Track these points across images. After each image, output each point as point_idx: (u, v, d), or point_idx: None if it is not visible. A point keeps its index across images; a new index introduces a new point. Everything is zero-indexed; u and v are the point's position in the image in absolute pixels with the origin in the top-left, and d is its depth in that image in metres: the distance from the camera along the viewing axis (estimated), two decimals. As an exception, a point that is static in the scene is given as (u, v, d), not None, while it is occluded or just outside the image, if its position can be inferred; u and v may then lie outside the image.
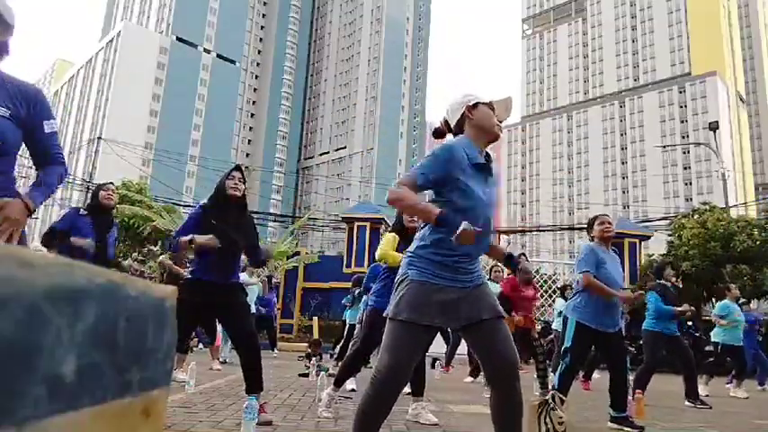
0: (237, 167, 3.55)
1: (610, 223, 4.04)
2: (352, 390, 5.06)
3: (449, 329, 9.14)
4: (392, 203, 1.98)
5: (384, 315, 2.03)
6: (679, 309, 5.48)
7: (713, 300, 12.96)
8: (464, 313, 1.94)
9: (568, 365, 3.92)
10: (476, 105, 2.09)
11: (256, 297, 8.66)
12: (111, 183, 4.14)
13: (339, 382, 3.90)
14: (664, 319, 5.52)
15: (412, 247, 2.02)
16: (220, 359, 7.22)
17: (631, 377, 6.26)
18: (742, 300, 10.82)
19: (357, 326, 6.90)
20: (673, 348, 5.64)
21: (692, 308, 5.55)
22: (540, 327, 6.35)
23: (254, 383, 3.20)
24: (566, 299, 6.53)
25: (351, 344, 6.16)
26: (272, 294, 9.86)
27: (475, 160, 1.98)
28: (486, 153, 2.07)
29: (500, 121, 2.09)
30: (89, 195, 4.15)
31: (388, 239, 3.97)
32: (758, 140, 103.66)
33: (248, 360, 3.22)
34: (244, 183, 3.48)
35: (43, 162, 2.14)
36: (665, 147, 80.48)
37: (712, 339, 7.49)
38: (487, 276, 8.41)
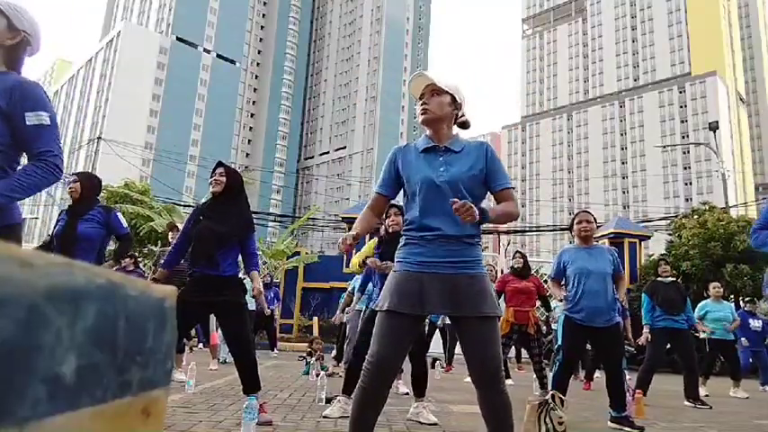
0: (219, 164, 3.56)
1: (588, 221, 4.01)
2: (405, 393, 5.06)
3: (446, 329, 9.17)
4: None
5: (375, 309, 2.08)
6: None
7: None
8: (441, 303, 1.91)
9: (561, 362, 3.94)
10: None
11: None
12: (74, 175, 3.97)
13: (348, 390, 3.76)
14: (660, 314, 5.54)
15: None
16: (219, 359, 7.22)
17: (630, 377, 6.26)
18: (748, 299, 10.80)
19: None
20: (676, 344, 5.63)
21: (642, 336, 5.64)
22: (543, 326, 6.29)
23: (248, 384, 3.21)
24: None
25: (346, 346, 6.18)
26: (269, 291, 9.76)
27: (421, 147, 2.07)
28: (453, 142, 2.08)
29: (422, 102, 2.08)
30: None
31: (369, 245, 4.25)
32: (758, 140, 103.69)
33: (239, 361, 3.25)
34: (228, 176, 3.45)
35: (30, 159, 1.91)
36: (665, 147, 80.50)
37: (701, 336, 7.48)
38: None
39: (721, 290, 7.44)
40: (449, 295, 1.90)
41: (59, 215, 3.94)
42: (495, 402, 1.87)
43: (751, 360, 8.11)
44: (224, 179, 3.44)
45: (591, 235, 4.02)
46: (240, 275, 3.62)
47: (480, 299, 1.90)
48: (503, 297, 6.14)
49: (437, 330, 9.50)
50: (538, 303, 6.34)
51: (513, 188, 2.07)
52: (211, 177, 3.48)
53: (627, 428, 3.67)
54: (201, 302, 3.25)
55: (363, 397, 1.89)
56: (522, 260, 6.09)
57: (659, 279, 5.83)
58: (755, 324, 8.05)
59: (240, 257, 3.48)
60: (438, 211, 1.95)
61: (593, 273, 3.84)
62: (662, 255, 14.53)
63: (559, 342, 4.02)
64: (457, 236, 1.94)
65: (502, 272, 13.59)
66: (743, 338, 7.89)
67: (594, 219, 4.11)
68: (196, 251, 3.35)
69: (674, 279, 5.91)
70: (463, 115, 2.15)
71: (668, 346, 5.88)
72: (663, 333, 5.56)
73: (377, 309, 1.99)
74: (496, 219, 1.97)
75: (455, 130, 2.14)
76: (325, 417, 3.55)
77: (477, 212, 1.82)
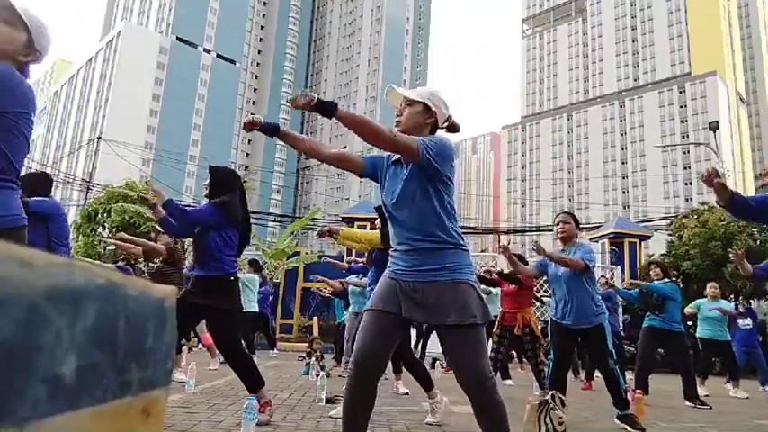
0: (209, 168, 3.58)
1: (565, 222, 4.06)
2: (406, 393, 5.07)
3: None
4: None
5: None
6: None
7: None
8: (413, 308, 1.92)
9: (554, 362, 4.02)
10: None
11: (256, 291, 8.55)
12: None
13: None
14: (654, 314, 5.54)
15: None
16: (220, 359, 7.22)
17: (631, 376, 6.26)
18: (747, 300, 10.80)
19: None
20: (670, 346, 5.63)
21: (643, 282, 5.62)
22: (540, 326, 6.27)
23: (246, 384, 3.25)
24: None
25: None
26: (264, 288, 9.75)
27: (391, 159, 2.11)
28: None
29: (396, 113, 2.13)
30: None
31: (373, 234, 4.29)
32: (758, 140, 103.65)
33: (229, 363, 3.31)
34: (210, 181, 3.49)
35: None
36: (665, 147, 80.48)
37: (697, 335, 7.48)
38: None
39: (718, 290, 7.43)
40: (424, 303, 1.91)
41: None
42: (487, 405, 1.86)
43: (748, 360, 8.12)
44: (208, 182, 3.51)
45: (568, 236, 4.04)
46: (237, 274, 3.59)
47: (455, 307, 1.87)
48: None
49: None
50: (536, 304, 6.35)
51: (423, 142, 1.91)
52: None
53: (629, 428, 3.68)
54: (194, 304, 3.28)
55: (351, 397, 1.90)
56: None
57: (654, 281, 5.83)
58: (745, 322, 8.09)
59: (231, 259, 3.44)
60: (404, 222, 1.99)
61: (559, 277, 3.94)
62: (661, 255, 14.55)
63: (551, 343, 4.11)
64: (428, 245, 1.94)
65: (502, 272, 13.57)
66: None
67: (575, 220, 4.13)
68: (195, 256, 3.45)
69: (669, 280, 5.88)
70: (448, 119, 2.16)
71: (662, 347, 5.89)
72: (651, 332, 5.58)
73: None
74: (348, 120, 1.86)
75: (441, 133, 2.15)
76: (331, 417, 3.54)
77: (312, 97, 1.83)
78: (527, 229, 64.54)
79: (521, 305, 5.83)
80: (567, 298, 3.89)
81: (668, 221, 18.99)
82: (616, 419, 3.82)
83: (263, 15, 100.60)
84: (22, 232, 1.99)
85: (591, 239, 16.77)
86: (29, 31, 1.88)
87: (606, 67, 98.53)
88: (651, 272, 5.95)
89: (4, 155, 1.87)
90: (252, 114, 2.02)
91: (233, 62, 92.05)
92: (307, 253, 17.89)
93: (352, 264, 6.07)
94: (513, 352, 9.56)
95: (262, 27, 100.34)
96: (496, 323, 5.87)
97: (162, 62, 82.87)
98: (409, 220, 1.97)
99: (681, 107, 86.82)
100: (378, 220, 4.20)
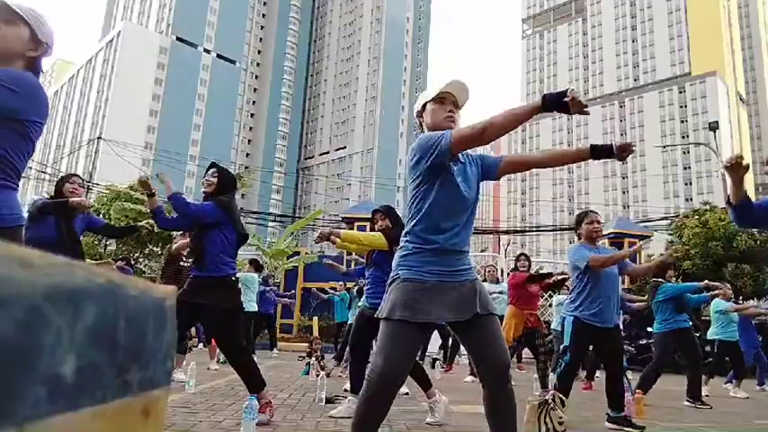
0: (212, 165, 3.60)
1: (599, 222, 3.96)
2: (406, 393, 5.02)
3: (447, 329, 9.17)
4: (484, 133, 1.83)
5: (375, 317, 2.05)
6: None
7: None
8: (455, 309, 1.91)
9: (568, 364, 3.90)
10: (424, 107, 2.10)
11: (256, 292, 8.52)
12: (77, 175, 4.02)
13: (355, 390, 3.69)
14: (671, 317, 5.52)
15: (399, 246, 2.04)
16: (219, 359, 7.21)
17: (632, 376, 6.26)
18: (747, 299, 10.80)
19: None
20: (682, 343, 5.60)
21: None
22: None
23: (248, 384, 3.24)
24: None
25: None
26: (270, 294, 9.82)
27: (449, 153, 2.05)
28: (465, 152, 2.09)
29: (458, 105, 2.06)
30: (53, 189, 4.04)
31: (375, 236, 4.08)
32: (758, 140, 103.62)
33: (231, 364, 3.31)
34: (220, 177, 3.48)
35: None
36: (665, 147, 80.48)
37: (708, 337, 7.47)
38: (481, 276, 8.39)
39: (730, 290, 7.45)
40: (458, 301, 1.92)
41: (37, 217, 3.68)
42: (503, 400, 1.88)
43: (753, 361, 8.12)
44: (215, 179, 3.48)
45: (600, 236, 4.05)
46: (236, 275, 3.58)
47: (485, 299, 1.97)
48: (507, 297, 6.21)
49: (435, 330, 9.49)
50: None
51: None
52: (204, 178, 3.55)
53: (627, 428, 3.66)
54: (194, 303, 3.26)
55: (367, 409, 1.85)
56: (527, 263, 6.10)
57: (659, 281, 5.79)
58: (752, 323, 8.11)
59: (230, 260, 3.44)
60: (458, 223, 1.98)
61: (605, 275, 3.80)
62: (660, 255, 14.55)
63: (565, 343, 3.97)
64: (465, 248, 2.02)
65: (502, 272, 13.57)
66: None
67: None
68: (191, 250, 3.46)
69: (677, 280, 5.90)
70: None
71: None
72: (673, 335, 5.48)
73: (381, 317, 1.91)
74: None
75: None
76: (331, 417, 3.53)
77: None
78: (527, 229, 64.58)
79: (537, 306, 5.98)
80: (605, 297, 3.76)
81: (668, 221, 18.99)
82: (607, 423, 3.74)
83: (263, 15, 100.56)
84: (21, 231, 2.02)
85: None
86: (28, 24, 1.88)
87: (606, 67, 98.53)
88: (666, 273, 5.89)
89: (12, 158, 1.89)
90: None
91: (233, 62, 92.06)
92: (307, 253, 17.88)
93: (352, 267, 6.05)
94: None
95: (262, 27, 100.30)
96: (513, 325, 5.81)
97: (162, 62, 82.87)
98: (466, 225, 2.02)
99: (681, 107, 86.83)
100: (383, 222, 4.05)
